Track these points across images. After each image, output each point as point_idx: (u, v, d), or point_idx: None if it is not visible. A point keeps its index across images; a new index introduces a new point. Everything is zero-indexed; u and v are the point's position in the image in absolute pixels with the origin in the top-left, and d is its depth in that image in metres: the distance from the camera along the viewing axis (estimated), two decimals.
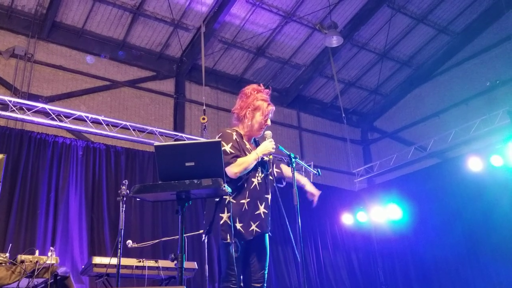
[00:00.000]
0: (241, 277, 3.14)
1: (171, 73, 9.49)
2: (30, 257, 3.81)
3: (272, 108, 3.44)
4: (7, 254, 3.83)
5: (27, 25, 7.96)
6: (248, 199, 3.20)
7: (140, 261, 4.98)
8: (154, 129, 8.24)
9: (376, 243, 10.14)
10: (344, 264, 9.63)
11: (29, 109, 7.27)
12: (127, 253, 5.27)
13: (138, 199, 3.06)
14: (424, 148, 9.86)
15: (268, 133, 3.33)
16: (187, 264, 5.08)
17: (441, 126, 9.88)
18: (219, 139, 3.25)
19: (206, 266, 5.37)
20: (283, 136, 10.63)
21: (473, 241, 8.31)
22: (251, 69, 10.15)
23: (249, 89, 3.47)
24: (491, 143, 8.19)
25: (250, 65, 10.03)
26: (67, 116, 7.58)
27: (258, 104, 3.39)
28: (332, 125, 11.79)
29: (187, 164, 2.62)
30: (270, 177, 3.37)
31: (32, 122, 7.31)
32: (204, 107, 7.79)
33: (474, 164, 8.15)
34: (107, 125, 7.83)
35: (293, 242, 3.64)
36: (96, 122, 7.75)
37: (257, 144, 3.48)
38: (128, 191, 3.79)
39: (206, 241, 5.09)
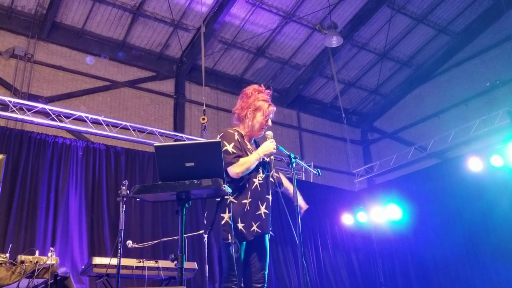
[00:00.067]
0: (242, 277, 3.14)
1: (171, 73, 9.49)
2: (30, 257, 3.81)
3: (273, 108, 3.44)
4: (7, 255, 3.83)
5: (27, 25, 7.96)
6: (250, 199, 3.20)
7: (140, 262, 4.98)
8: (154, 129, 8.24)
9: (376, 244, 10.13)
10: (344, 264, 9.63)
11: (29, 110, 7.28)
12: (127, 253, 5.27)
13: (138, 200, 3.05)
14: (424, 148, 9.86)
15: (269, 133, 3.34)
16: (187, 265, 5.08)
17: (441, 126, 9.88)
18: (219, 139, 3.25)
19: (206, 267, 5.37)
20: (283, 136, 10.63)
21: (473, 241, 8.30)
22: (251, 69, 10.15)
23: (250, 89, 3.46)
24: (491, 143, 8.19)
25: (250, 65, 10.04)
26: (67, 116, 7.58)
27: (259, 104, 3.39)
28: (332, 125, 11.79)
29: (187, 164, 2.62)
30: (271, 179, 3.38)
31: (32, 122, 7.31)
32: (204, 108, 7.79)
33: (474, 165, 8.15)
34: (107, 125, 7.83)
35: (300, 245, 3.64)
36: (96, 123, 7.75)
37: (257, 145, 3.49)
38: (128, 192, 3.79)
39: (206, 241, 5.09)
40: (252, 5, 8.75)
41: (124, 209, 3.95)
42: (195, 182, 2.59)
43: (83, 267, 5.36)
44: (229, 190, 2.70)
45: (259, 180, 3.27)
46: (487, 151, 8.04)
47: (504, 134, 7.92)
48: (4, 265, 3.72)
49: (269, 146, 3.25)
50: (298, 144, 10.98)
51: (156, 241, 5.58)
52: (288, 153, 3.35)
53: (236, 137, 3.28)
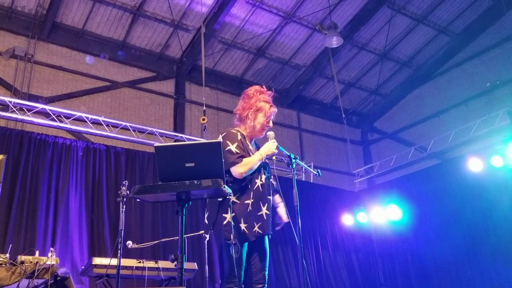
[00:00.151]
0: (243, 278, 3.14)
1: (171, 73, 9.49)
2: (30, 257, 3.81)
3: (274, 110, 3.45)
4: (7, 255, 3.83)
5: (27, 25, 7.96)
6: (252, 200, 3.20)
7: (140, 262, 4.98)
8: (154, 129, 8.24)
9: (376, 244, 10.13)
10: (344, 265, 9.63)
11: (29, 110, 7.28)
12: (127, 253, 5.26)
13: (138, 200, 3.05)
14: (424, 148, 9.86)
15: (271, 133, 3.35)
16: (187, 265, 5.08)
17: (441, 126, 9.88)
18: (220, 140, 3.25)
19: (206, 267, 5.35)
20: (283, 136, 10.63)
21: (473, 242, 8.30)
22: (251, 69, 10.15)
23: (251, 90, 3.46)
24: (491, 143, 8.19)
25: (250, 65, 10.04)
26: (67, 116, 7.58)
27: (260, 105, 3.39)
28: (332, 126, 11.79)
29: (187, 164, 2.61)
30: (272, 181, 3.39)
31: (32, 122, 7.31)
32: (204, 108, 7.79)
33: (474, 165, 8.15)
34: (107, 125, 7.83)
35: (300, 246, 3.64)
36: (96, 123, 7.75)
37: (257, 146, 3.49)
38: (128, 192, 3.79)
39: (206, 241, 5.09)
40: (252, 6, 8.75)
41: (124, 210, 3.95)
42: (195, 182, 2.59)
43: (83, 267, 5.36)
44: (229, 190, 2.70)
45: (261, 181, 3.28)
46: (487, 151, 8.04)
47: (504, 134, 7.92)
48: (4, 265, 3.72)
49: (271, 146, 3.26)
50: (298, 145, 10.98)
51: (156, 241, 5.58)
52: (288, 154, 3.36)
53: (239, 137, 3.29)
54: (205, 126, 7.92)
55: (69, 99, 8.20)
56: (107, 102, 8.61)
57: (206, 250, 5.26)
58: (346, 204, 10.11)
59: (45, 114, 7.45)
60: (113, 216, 7.05)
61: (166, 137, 8.42)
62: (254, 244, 3.21)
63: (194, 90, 9.70)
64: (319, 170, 3.74)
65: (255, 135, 3.44)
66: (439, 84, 10.77)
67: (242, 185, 3.20)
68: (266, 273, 3.25)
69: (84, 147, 7.35)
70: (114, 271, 4.39)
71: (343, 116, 9.86)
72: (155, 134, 8.23)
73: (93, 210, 7.02)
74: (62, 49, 8.39)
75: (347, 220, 9.90)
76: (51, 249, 4.03)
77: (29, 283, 3.77)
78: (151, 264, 5.03)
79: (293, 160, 3.35)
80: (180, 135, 8.55)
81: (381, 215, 9.70)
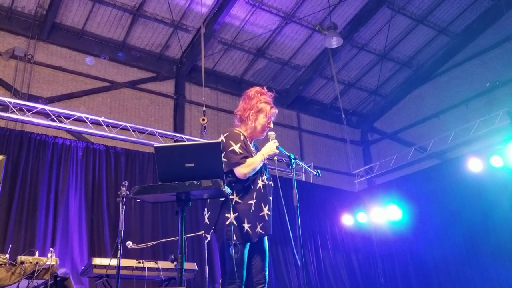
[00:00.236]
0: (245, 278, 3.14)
1: (171, 74, 9.49)
2: (30, 258, 3.81)
3: (275, 111, 3.45)
4: (7, 255, 3.83)
5: (27, 26, 7.97)
6: (255, 200, 3.20)
7: (140, 262, 4.98)
8: (154, 130, 8.24)
9: (376, 244, 10.13)
10: (344, 265, 9.63)
11: (29, 110, 7.28)
12: (127, 254, 5.27)
13: (138, 200, 3.05)
14: (424, 149, 9.86)
15: (272, 134, 3.36)
16: (187, 265, 5.08)
17: (441, 126, 9.88)
18: (221, 140, 3.25)
19: (206, 267, 5.37)
20: (283, 137, 10.63)
21: (473, 242, 8.30)
22: (251, 70, 10.15)
23: (252, 91, 3.46)
24: (491, 143, 8.19)
25: (250, 66, 10.04)
26: (67, 117, 7.58)
27: (261, 106, 3.39)
28: (332, 126, 11.79)
29: (187, 165, 2.61)
30: (271, 182, 3.39)
31: (32, 123, 7.31)
32: (204, 108, 7.79)
33: (474, 165, 8.15)
34: (107, 126, 7.83)
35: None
36: (96, 123, 7.75)
37: (256, 147, 3.49)
38: (128, 192, 3.79)
39: (206, 242, 5.09)
40: (252, 6, 8.75)
41: (124, 210, 3.95)
42: (195, 183, 2.59)
43: (83, 267, 5.37)
44: (229, 191, 2.70)
45: (262, 181, 3.28)
46: (487, 151, 8.04)
47: (504, 134, 7.92)
48: (4, 265, 3.72)
49: (272, 146, 3.27)
50: (298, 145, 10.98)
51: (156, 242, 5.58)
52: (288, 154, 3.36)
53: (242, 137, 3.29)
54: (205, 127, 7.92)
55: (69, 99, 8.20)
56: (107, 102, 8.61)
57: (206, 250, 5.27)
58: (346, 204, 10.11)
59: (45, 114, 7.45)
60: (113, 216, 7.05)
61: (166, 137, 8.42)
62: (255, 245, 3.21)
63: (194, 90, 9.70)
64: (319, 171, 3.74)
65: (256, 136, 3.44)
66: (439, 84, 10.77)
67: (245, 185, 3.20)
68: (266, 273, 3.25)
69: (84, 147, 7.35)
70: (114, 272, 4.39)
71: (343, 116, 9.86)
72: (155, 135, 8.23)
73: (93, 211, 7.02)
74: (62, 50, 8.39)
75: (347, 220, 9.90)
76: (51, 249, 4.03)
77: (29, 284, 3.76)
78: (151, 264, 5.03)
79: (293, 161, 3.36)
80: (180, 135, 8.55)
81: (381, 215, 9.70)
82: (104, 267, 4.77)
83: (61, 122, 7.52)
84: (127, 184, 3.98)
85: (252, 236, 3.14)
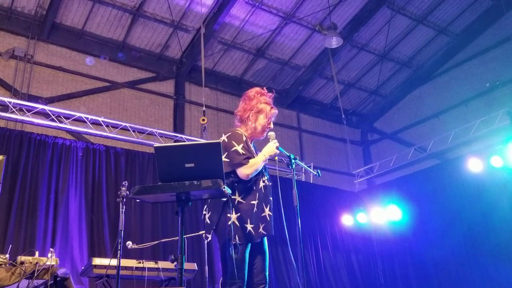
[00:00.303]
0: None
1: (171, 74, 9.49)
2: (30, 258, 3.81)
3: (275, 111, 3.46)
4: (7, 255, 3.83)
5: (27, 26, 7.97)
6: (257, 201, 3.20)
7: (140, 262, 4.98)
8: (154, 130, 8.24)
9: (376, 244, 10.13)
10: (344, 265, 9.63)
11: (29, 110, 7.28)
12: (127, 254, 5.26)
13: (138, 201, 3.05)
14: (424, 149, 9.86)
15: (272, 134, 3.37)
16: (187, 265, 5.07)
17: (441, 127, 9.88)
18: (223, 139, 3.25)
19: (206, 267, 5.36)
20: (283, 137, 10.63)
21: (473, 242, 8.30)
22: (251, 70, 10.15)
23: (252, 92, 3.46)
24: (491, 144, 8.19)
25: (250, 66, 10.04)
26: (67, 117, 7.58)
27: (261, 107, 3.40)
28: (332, 126, 11.79)
29: (187, 165, 2.61)
30: (270, 183, 3.39)
31: (32, 123, 7.31)
32: (204, 108, 7.79)
33: (474, 165, 8.15)
34: (107, 126, 7.83)
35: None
36: (96, 123, 7.75)
37: (255, 147, 3.49)
38: (128, 192, 3.79)
39: (206, 242, 5.09)
40: (252, 6, 8.75)
41: (124, 210, 3.95)
42: (195, 183, 2.59)
43: (83, 268, 5.37)
44: (229, 191, 2.69)
45: (263, 182, 3.29)
46: (487, 151, 8.04)
47: (504, 134, 7.92)
48: (3, 266, 3.72)
49: (273, 147, 3.28)
50: (298, 145, 10.98)
51: (156, 242, 5.58)
52: (288, 154, 3.36)
53: (244, 138, 3.30)
54: (204, 127, 7.92)
55: (68, 99, 8.20)
56: (107, 102, 8.61)
57: (206, 251, 5.27)
58: (346, 204, 10.11)
59: (45, 114, 7.45)
60: (113, 216, 7.05)
61: (166, 137, 8.42)
62: (256, 245, 3.21)
63: (194, 90, 9.70)
64: (318, 171, 3.74)
65: (256, 136, 3.45)
66: (439, 85, 10.78)
67: (247, 186, 3.20)
68: (267, 273, 3.25)
69: (84, 147, 7.35)
70: (114, 272, 4.39)
71: (343, 116, 9.86)
72: (155, 135, 8.24)
73: (93, 211, 7.02)
74: (61, 50, 8.39)
75: (347, 220, 9.90)
76: (51, 249, 4.03)
77: (29, 284, 3.76)
78: (151, 264, 5.03)
79: (293, 161, 3.35)
80: (179, 135, 8.55)
81: (381, 215, 9.70)
82: (104, 267, 4.77)
83: (61, 122, 7.52)
84: (127, 184, 3.97)
85: (254, 237, 3.14)
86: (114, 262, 4.32)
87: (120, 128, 8.00)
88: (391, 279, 9.77)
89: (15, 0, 7.76)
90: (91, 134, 7.81)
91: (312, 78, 10.57)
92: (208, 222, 3.22)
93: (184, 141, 8.11)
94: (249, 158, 3.18)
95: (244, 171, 3.14)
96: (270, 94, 3.50)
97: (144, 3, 8.26)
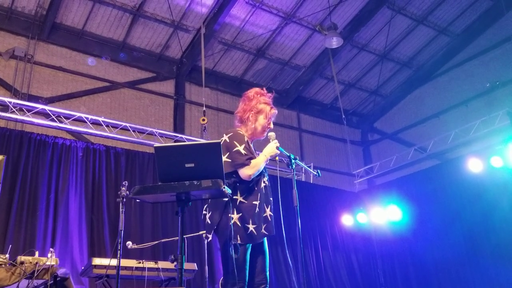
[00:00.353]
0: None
1: (171, 74, 9.49)
2: (29, 258, 3.81)
3: (274, 111, 3.46)
4: (7, 255, 3.83)
5: (27, 26, 7.97)
6: (259, 201, 3.21)
7: (140, 262, 4.98)
8: (154, 130, 8.24)
9: (376, 244, 10.13)
10: (344, 265, 9.63)
11: (29, 110, 7.28)
12: (127, 254, 5.27)
13: (138, 201, 3.05)
14: (424, 149, 9.86)
15: (272, 134, 3.37)
16: (187, 265, 5.08)
17: (441, 127, 9.88)
18: (224, 139, 3.25)
19: (206, 267, 5.36)
20: (283, 137, 10.63)
21: (473, 242, 8.30)
22: (251, 70, 10.15)
23: (252, 92, 3.47)
24: (491, 144, 8.19)
25: (250, 66, 10.04)
26: (67, 117, 7.58)
27: (261, 107, 3.40)
28: (332, 126, 11.79)
29: (187, 165, 2.61)
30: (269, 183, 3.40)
31: (32, 123, 7.31)
32: (204, 108, 7.79)
33: (474, 165, 8.15)
34: (107, 126, 7.83)
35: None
36: (96, 123, 7.75)
37: (253, 148, 3.49)
38: (128, 192, 3.79)
39: (206, 242, 5.09)
40: (252, 6, 8.75)
41: (124, 210, 3.95)
42: (195, 183, 2.59)
43: (83, 268, 5.37)
44: (229, 191, 2.68)
45: (264, 182, 3.29)
46: (487, 152, 8.04)
47: (504, 135, 7.92)
48: (3, 266, 3.72)
49: (273, 147, 3.28)
50: (298, 145, 10.98)
51: (156, 242, 5.58)
52: (288, 154, 3.36)
53: (246, 138, 3.30)
54: (205, 127, 7.92)
55: (69, 99, 8.20)
56: (107, 102, 8.61)
57: (206, 251, 5.27)
58: (346, 204, 10.11)
59: (45, 114, 7.45)
60: (113, 216, 7.05)
61: (166, 137, 8.42)
62: (256, 245, 3.21)
63: (194, 90, 9.70)
64: (319, 171, 3.74)
65: (256, 137, 3.45)
66: (439, 85, 10.77)
67: (249, 186, 3.20)
68: (267, 273, 3.25)
69: (84, 147, 7.35)
70: (114, 272, 4.40)
71: (343, 116, 9.85)
72: (155, 135, 8.24)
73: (93, 211, 7.02)
74: (62, 50, 8.39)
75: (347, 220, 9.90)
76: (51, 249, 4.03)
77: (28, 284, 3.76)
78: (151, 264, 5.03)
79: (293, 161, 3.35)
80: (180, 135, 8.55)
81: (381, 215, 9.70)
82: (104, 267, 4.77)
83: (61, 122, 7.52)
84: (127, 184, 3.97)
85: (256, 237, 3.14)
86: (114, 262, 4.32)
87: (120, 128, 8.00)
88: (391, 279, 9.77)
89: (15, 0, 7.77)
90: (91, 134, 7.81)
91: (312, 78, 10.57)
92: (209, 222, 3.21)
93: (184, 141, 8.11)
94: (251, 158, 3.18)
95: (246, 172, 3.13)
96: (270, 94, 3.50)
97: (144, 3, 8.26)
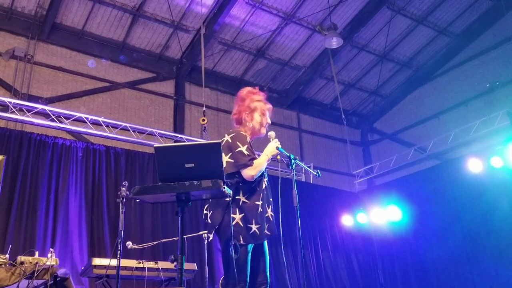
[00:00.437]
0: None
1: (171, 74, 9.49)
2: (29, 258, 3.81)
3: (269, 106, 3.46)
4: (7, 255, 3.83)
5: (27, 26, 7.97)
6: (262, 201, 3.21)
7: (140, 263, 4.98)
8: (154, 130, 8.24)
9: (376, 245, 10.13)
10: (344, 266, 9.63)
11: (29, 110, 7.28)
12: (127, 254, 5.27)
13: (138, 201, 3.04)
14: (424, 149, 9.86)
15: (272, 133, 3.37)
16: (186, 266, 5.08)
17: (441, 127, 9.88)
18: (224, 140, 3.25)
19: (206, 268, 5.36)
20: (283, 137, 10.63)
21: (473, 243, 8.30)
22: (251, 70, 10.15)
23: (243, 92, 3.48)
24: (491, 144, 8.19)
25: (250, 66, 10.04)
26: (67, 117, 7.59)
27: (255, 105, 3.41)
28: (332, 127, 11.79)
29: (187, 165, 2.61)
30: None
31: (32, 123, 7.31)
32: (204, 109, 7.80)
33: (474, 166, 8.15)
34: (107, 126, 7.84)
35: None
36: (96, 124, 7.75)
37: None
38: (128, 193, 3.79)
39: (206, 242, 5.09)
40: (252, 6, 8.75)
41: (124, 210, 3.95)
42: (195, 183, 2.58)
43: (82, 268, 5.37)
44: (229, 191, 2.68)
45: (264, 183, 3.29)
46: (487, 152, 8.04)
47: (504, 135, 7.93)
48: (3, 266, 3.72)
49: (274, 146, 3.28)
50: (298, 145, 10.98)
51: (156, 242, 5.58)
52: (288, 154, 3.36)
53: (248, 139, 3.29)
54: (204, 127, 7.92)
55: (69, 99, 8.20)
56: (107, 102, 8.61)
57: (206, 251, 5.26)
58: (346, 204, 10.11)
59: (45, 114, 7.45)
60: (113, 216, 7.06)
61: (166, 137, 8.42)
62: (257, 245, 3.20)
63: (194, 91, 9.70)
64: (319, 171, 3.73)
65: (256, 135, 3.45)
66: (439, 85, 10.78)
67: (252, 186, 3.20)
68: (268, 273, 3.25)
69: (84, 147, 7.35)
70: (113, 272, 4.40)
71: (343, 117, 9.86)
72: (155, 135, 8.24)
73: (93, 211, 7.02)
74: (62, 50, 8.39)
75: (347, 220, 9.90)
76: (51, 249, 4.03)
77: (28, 284, 3.76)
78: (151, 264, 5.03)
79: (293, 161, 3.35)
80: (180, 135, 8.56)
81: (381, 215, 9.70)
82: (104, 267, 4.77)
83: (61, 122, 7.52)
84: (127, 185, 3.97)
85: (259, 237, 3.14)
86: (114, 262, 4.32)
87: (120, 128, 8.00)
88: (391, 280, 9.77)
89: (15, 0, 7.77)
90: (91, 134, 7.81)
91: (312, 79, 10.57)
92: (210, 221, 3.20)
93: (184, 141, 8.12)
94: (253, 159, 3.18)
95: (249, 172, 3.13)
96: (262, 92, 3.51)
97: (144, 3, 8.26)
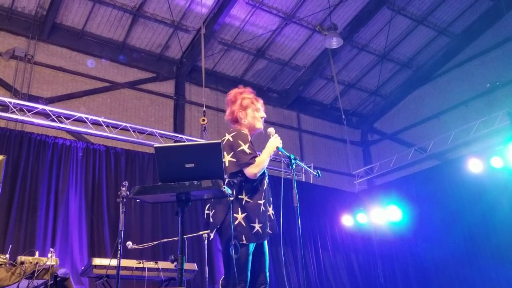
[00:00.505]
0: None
1: (171, 74, 9.49)
2: (30, 258, 3.81)
3: (260, 100, 3.50)
4: (7, 255, 3.83)
5: (27, 26, 7.97)
6: (264, 200, 3.21)
7: (140, 263, 4.98)
8: (154, 130, 8.25)
9: (376, 245, 10.13)
10: (344, 266, 9.63)
11: (29, 111, 7.28)
12: (127, 254, 5.26)
13: (138, 201, 3.05)
14: (424, 149, 9.86)
15: (271, 130, 3.38)
16: (187, 266, 5.08)
17: (441, 127, 9.88)
18: (225, 139, 3.25)
19: (206, 268, 5.36)
20: (283, 137, 10.40)
21: (473, 243, 8.30)
22: (251, 70, 10.16)
23: (232, 94, 3.53)
24: (491, 144, 8.19)
25: (250, 66, 10.04)
26: (67, 117, 7.59)
27: (245, 103, 3.44)
28: (332, 127, 11.79)
29: (187, 165, 2.61)
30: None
31: (32, 123, 7.32)
32: (204, 109, 7.80)
33: (474, 166, 8.15)
34: (107, 126, 7.84)
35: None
36: (96, 124, 7.76)
37: None
38: (128, 193, 3.79)
39: (206, 242, 5.09)
40: (252, 6, 8.75)
41: (124, 210, 3.95)
42: (195, 183, 2.58)
43: (83, 268, 5.37)
44: (229, 191, 2.68)
45: (266, 182, 3.30)
46: (487, 152, 8.04)
47: (504, 135, 7.92)
48: (4, 266, 3.72)
49: (275, 142, 3.29)
50: (298, 145, 10.97)
51: (156, 242, 5.58)
52: (288, 154, 3.36)
53: (249, 137, 3.30)
54: (205, 127, 7.92)
55: (69, 99, 8.20)
56: (107, 102, 8.61)
57: (206, 251, 5.26)
58: (346, 205, 10.10)
59: (45, 114, 7.46)
60: (113, 216, 7.06)
61: (166, 137, 8.42)
62: (257, 245, 3.20)
63: (194, 91, 9.70)
64: (319, 171, 3.74)
65: (254, 130, 3.47)
66: (439, 85, 10.77)
67: (254, 185, 3.20)
68: (267, 273, 3.25)
69: (84, 147, 7.35)
70: (114, 272, 4.40)
71: (343, 117, 9.86)
72: (155, 135, 8.24)
73: (93, 211, 7.02)
74: (62, 50, 8.39)
75: (347, 221, 9.90)
76: (51, 249, 4.03)
77: (29, 284, 3.77)
78: (151, 264, 5.03)
79: (293, 161, 3.35)
80: (180, 135, 8.56)
81: (381, 216, 9.70)
82: (104, 267, 4.77)
83: (61, 122, 7.52)
84: (127, 185, 3.97)
85: (262, 236, 3.14)
86: (114, 262, 4.32)
87: (120, 128, 8.00)
88: (391, 280, 9.77)
89: (15, 0, 7.77)
90: (91, 134, 7.81)
91: (312, 79, 10.57)
92: (211, 220, 3.19)
93: (184, 141, 8.12)
94: (255, 157, 3.18)
95: (252, 171, 3.13)
96: (249, 89, 3.52)
97: (144, 3, 8.26)
